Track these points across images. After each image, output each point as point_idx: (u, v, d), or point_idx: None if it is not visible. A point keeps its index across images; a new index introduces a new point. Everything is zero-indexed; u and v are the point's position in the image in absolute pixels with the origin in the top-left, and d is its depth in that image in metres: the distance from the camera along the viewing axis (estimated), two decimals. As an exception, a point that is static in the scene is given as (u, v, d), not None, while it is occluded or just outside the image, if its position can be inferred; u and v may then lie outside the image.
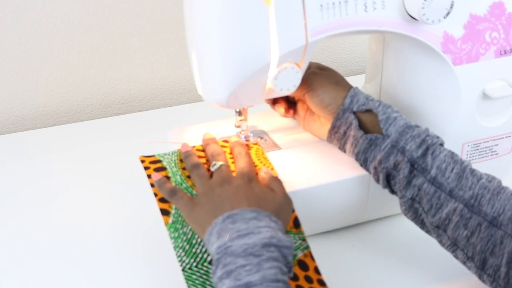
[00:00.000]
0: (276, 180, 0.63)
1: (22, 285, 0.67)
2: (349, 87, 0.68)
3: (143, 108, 1.12)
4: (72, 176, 0.86)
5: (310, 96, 0.68)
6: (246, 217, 0.54)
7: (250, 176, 0.62)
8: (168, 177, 0.63)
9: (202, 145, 0.68)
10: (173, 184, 0.62)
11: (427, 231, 0.61)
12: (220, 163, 0.63)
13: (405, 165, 0.59)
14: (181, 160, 0.66)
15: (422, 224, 0.61)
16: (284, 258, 0.52)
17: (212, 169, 0.63)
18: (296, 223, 0.62)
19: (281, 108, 0.72)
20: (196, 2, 0.58)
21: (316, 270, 0.59)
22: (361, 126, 0.64)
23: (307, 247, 0.60)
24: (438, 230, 0.58)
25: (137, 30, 1.03)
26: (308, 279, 0.58)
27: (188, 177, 0.64)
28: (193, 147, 0.68)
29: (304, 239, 0.61)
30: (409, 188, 0.59)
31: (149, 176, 0.64)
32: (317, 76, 0.69)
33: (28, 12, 0.96)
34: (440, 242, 0.59)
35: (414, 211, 0.60)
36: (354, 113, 0.65)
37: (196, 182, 0.62)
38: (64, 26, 0.99)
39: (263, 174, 0.64)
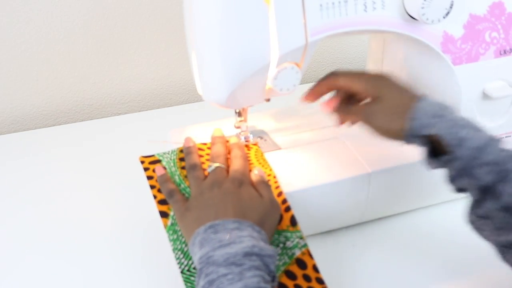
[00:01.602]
0: (265, 185, 0.63)
1: (21, 284, 0.67)
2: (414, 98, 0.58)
3: (143, 108, 1.12)
4: (71, 176, 0.86)
5: (368, 116, 0.61)
6: (228, 227, 0.54)
7: (241, 180, 0.62)
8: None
9: (210, 143, 0.69)
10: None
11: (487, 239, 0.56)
12: (216, 165, 0.63)
13: (474, 191, 0.54)
14: (180, 159, 0.66)
15: (481, 234, 0.56)
16: (266, 267, 0.52)
17: (208, 170, 0.63)
18: (293, 222, 0.62)
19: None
20: (196, 2, 0.58)
21: (315, 268, 0.59)
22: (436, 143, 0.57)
23: (305, 245, 0.60)
24: (503, 248, 0.54)
25: (137, 30, 1.03)
26: (307, 278, 0.58)
27: (186, 176, 0.64)
28: (205, 144, 0.68)
29: (301, 237, 0.61)
30: (478, 208, 0.54)
31: (148, 178, 0.64)
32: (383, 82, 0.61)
33: (28, 12, 0.96)
34: (500, 253, 0.54)
35: (480, 225, 0.55)
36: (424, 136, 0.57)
37: (191, 184, 0.63)
38: (64, 26, 0.99)
39: (253, 176, 0.64)
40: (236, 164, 0.64)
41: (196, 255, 0.53)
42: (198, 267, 0.52)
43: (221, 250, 0.52)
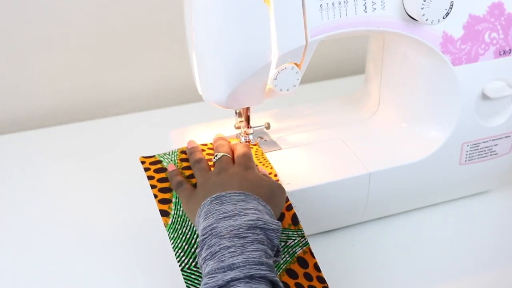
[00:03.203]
0: (268, 175, 0.64)
1: (21, 283, 0.67)
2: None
3: (143, 108, 1.12)
4: (71, 176, 0.86)
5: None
6: (233, 199, 0.54)
7: (247, 165, 0.62)
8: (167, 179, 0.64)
9: (212, 143, 0.70)
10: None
11: None
12: (221, 154, 0.64)
13: None
14: (181, 160, 0.66)
15: None
16: (270, 241, 0.52)
17: (214, 160, 0.64)
18: (295, 220, 0.62)
19: None
20: (196, 2, 0.59)
21: (316, 267, 0.59)
22: None
23: (306, 244, 0.60)
24: None
25: (137, 30, 1.03)
26: (308, 277, 0.58)
27: (188, 177, 0.64)
28: (205, 144, 0.69)
29: (303, 236, 0.61)
30: None
31: (149, 178, 0.64)
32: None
33: (28, 12, 0.96)
34: None
35: None
36: None
37: (197, 176, 0.63)
38: (64, 26, 0.99)
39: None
40: (240, 150, 0.65)
41: (200, 226, 0.53)
42: (200, 238, 0.52)
43: (225, 221, 0.51)
